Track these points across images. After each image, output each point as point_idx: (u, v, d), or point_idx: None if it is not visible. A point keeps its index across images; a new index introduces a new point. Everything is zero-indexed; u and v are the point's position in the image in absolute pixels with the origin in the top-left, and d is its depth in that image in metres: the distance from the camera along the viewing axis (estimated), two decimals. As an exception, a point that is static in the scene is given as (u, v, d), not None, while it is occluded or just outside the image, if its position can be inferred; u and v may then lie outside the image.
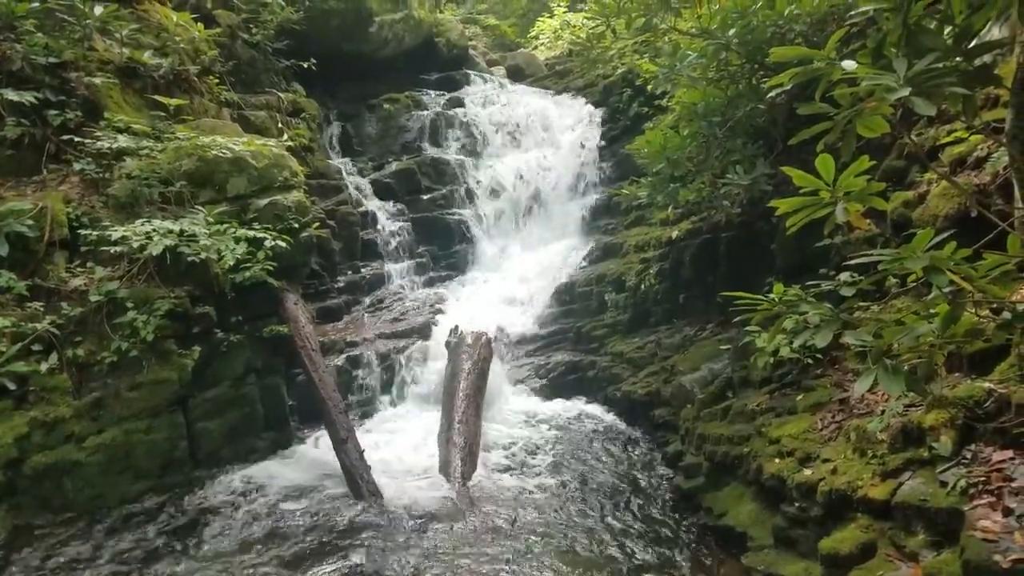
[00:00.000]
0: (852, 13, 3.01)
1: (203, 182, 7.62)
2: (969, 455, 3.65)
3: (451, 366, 8.23)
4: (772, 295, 3.22)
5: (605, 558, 5.28)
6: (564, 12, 19.09)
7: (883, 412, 4.32)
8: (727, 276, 7.89)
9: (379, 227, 11.22)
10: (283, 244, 7.40)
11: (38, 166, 7.06)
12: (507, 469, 6.95)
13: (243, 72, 10.66)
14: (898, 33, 2.55)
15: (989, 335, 3.08)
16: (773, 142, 6.48)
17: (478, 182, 12.34)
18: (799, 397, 5.42)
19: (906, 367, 2.79)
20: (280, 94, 10.95)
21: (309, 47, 11.35)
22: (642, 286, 9.04)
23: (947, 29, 2.62)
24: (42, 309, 6.17)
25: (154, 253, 6.53)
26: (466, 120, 13.06)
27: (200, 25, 9.41)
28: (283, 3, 11.23)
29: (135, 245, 6.52)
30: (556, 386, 9.18)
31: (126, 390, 6.34)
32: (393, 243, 11.25)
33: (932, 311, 2.92)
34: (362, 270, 10.62)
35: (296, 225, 7.89)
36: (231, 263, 6.94)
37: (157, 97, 8.23)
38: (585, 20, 14.46)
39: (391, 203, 11.69)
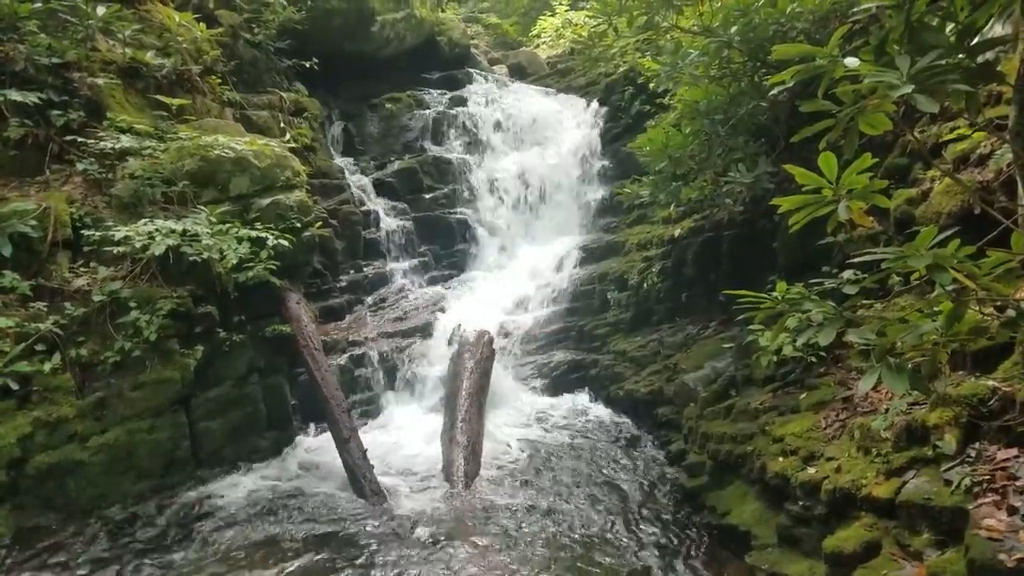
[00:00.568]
0: (854, 10, 3.00)
1: (206, 182, 7.62)
2: (973, 453, 3.65)
3: (454, 365, 8.24)
4: (775, 293, 3.21)
5: (608, 557, 5.28)
6: (566, 10, 19.06)
7: (887, 410, 4.31)
8: (729, 274, 7.89)
9: (381, 226, 11.21)
10: (285, 243, 7.40)
11: (41, 166, 7.06)
12: (510, 468, 6.95)
13: (245, 72, 10.65)
14: (900, 30, 2.54)
15: (993, 333, 3.07)
16: (775, 140, 6.47)
17: (480, 181, 12.33)
18: (802, 395, 5.41)
19: (910, 365, 2.77)
20: (282, 94, 10.94)
21: (311, 46, 11.34)
22: (644, 284, 9.03)
23: (950, 26, 2.61)
24: (45, 309, 6.17)
25: (157, 253, 6.54)
26: (468, 119, 13.05)
27: (202, 25, 9.41)
28: (285, 3, 11.22)
29: (138, 245, 6.53)
30: (559, 385, 9.18)
31: (129, 390, 6.35)
32: (395, 242, 11.24)
33: (936, 309, 2.90)
34: (364, 269, 10.62)
35: (298, 224, 7.89)
36: (233, 263, 6.94)
37: (160, 97, 8.23)
38: (587, 18, 14.46)
39: (393, 202, 11.68)
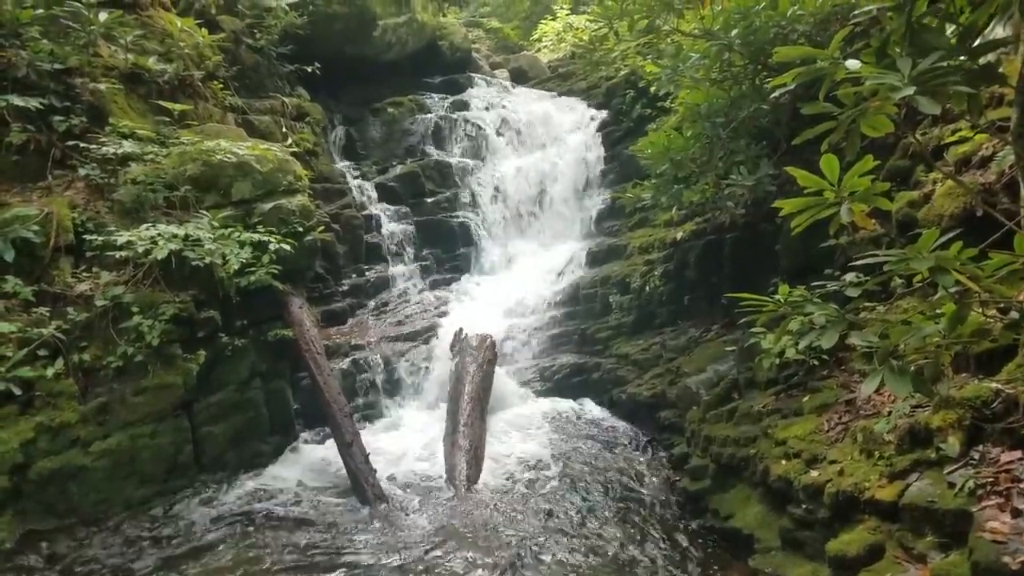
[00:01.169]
0: (855, 12, 3.00)
1: (208, 187, 7.63)
2: (977, 456, 3.64)
3: (456, 369, 8.23)
4: (777, 296, 3.21)
5: (611, 561, 5.27)
6: (567, 15, 19.08)
7: (890, 413, 4.31)
8: (732, 277, 7.88)
9: (383, 230, 11.22)
10: (287, 248, 7.40)
11: (43, 172, 7.08)
12: (512, 472, 6.94)
13: (247, 77, 10.68)
14: (901, 32, 2.54)
15: (996, 335, 3.06)
16: (777, 142, 6.46)
17: (482, 185, 12.33)
18: (805, 398, 5.40)
19: (913, 368, 2.77)
20: (284, 98, 10.97)
21: (313, 51, 11.37)
22: (647, 288, 9.03)
23: (951, 28, 2.61)
24: (48, 314, 6.18)
25: (159, 258, 6.54)
26: (470, 123, 13.06)
27: (204, 30, 9.43)
28: (287, 8, 11.25)
29: (140, 250, 6.54)
30: (561, 388, 9.17)
31: (131, 395, 6.35)
32: (397, 246, 11.25)
33: (938, 311, 2.90)
34: (366, 273, 10.63)
35: (300, 229, 7.90)
36: (236, 267, 6.95)
37: (162, 102, 8.25)
38: (588, 22, 14.45)
39: (395, 206, 11.70)
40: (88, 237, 6.72)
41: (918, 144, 3.88)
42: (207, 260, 6.78)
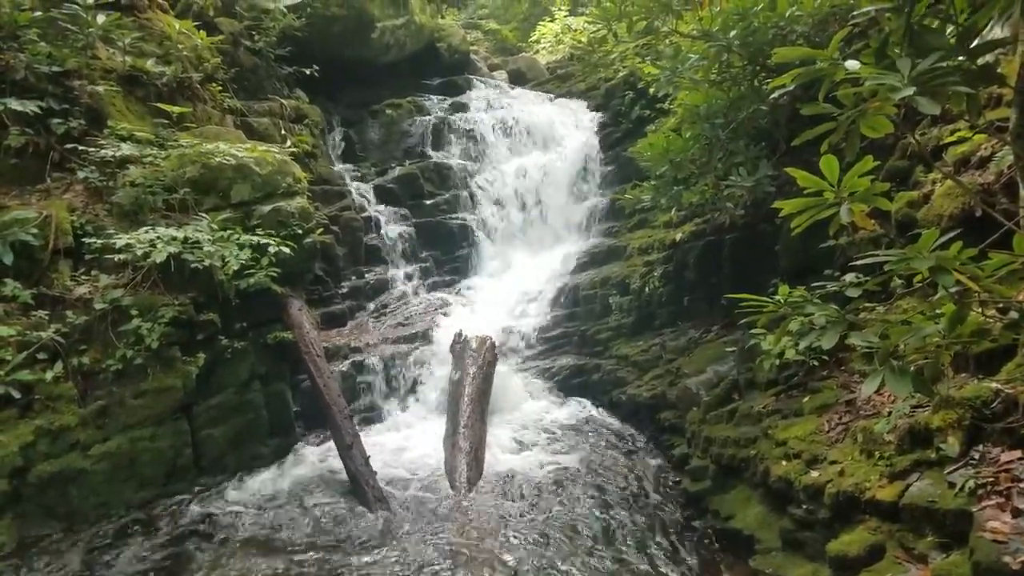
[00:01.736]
0: (854, 13, 3.00)
1: (207, 189, 7.63)
2: (977, 456, 3.64)
3: (456, 371, 8.22)
4: (777, 297, 3.21)
5: (612, 563, 5.26)
6: (565, 16, 19.09)
7: (890, 413, 4.31)
8: (731, 278, 7.88)
9: (382, 232, 11.22)
10: (287, 250, 7.40)
11: (42, 175, 7.07)
12: (512, 473, 6.93)
13: (246, 79, 10.68)
14: (901, 33, 2.54)
15: (996, 335, 3.06)
16: (776, 143, 6.47)
17: (481, 187, 12.34)
18: (805, 399, 5.40)
19: (913, 368, 2.77)
20: (283, 100, 10.97)
21: (311, 53, 11.38)
22: (646, 289, 9.02)
23: (950, 28, 2.61)
24: (47, 317, 6.18)
25: (158, 260, 6.54)
26: (468, 125, 13.07)
27: (202, 33, 9.43)
28: (285, 10, 11.26)
29: (139, 253, 6.54)
30: (561, 389, 9.18)
31: (131, 398, 6.34)
32: (396, 248, 11.25)
33: (938, 311, 2.90)
34: (366, 275, 10.63)
35: (300, 231, 7.90)
36: (235, 269, 6.94)
37: (160, 105, 8.25)
38: (586, 24, 14.47)
39: (394, 208, 11.70)
40: (87, 240, 6.72)
41: (917, 144, 3.88)
42: (206, 262, 6.78)
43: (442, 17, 16.12)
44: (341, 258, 10.22)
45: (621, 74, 12.75)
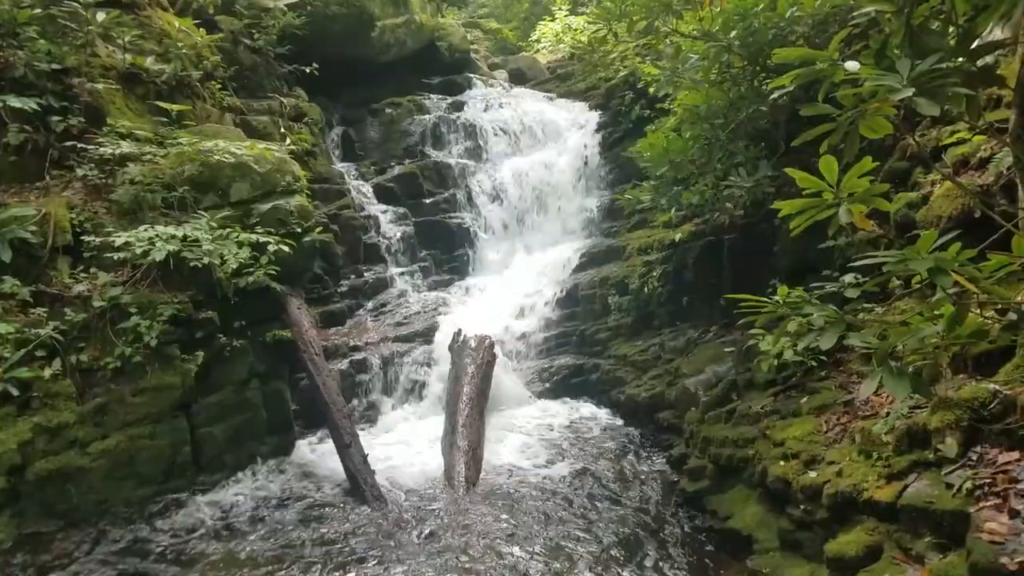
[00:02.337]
0: (854, 14, 3.01)
1: (206, 187, 7.62)
2: (975, 457, 3.64)
3: (454, 370, 8.23)
4: (776, 297, 3.21)
5: (609, 562, 5.26)
6: (565, 16, 19.09)
7: (888, 414, 4.31)
8: (730, 278, 7.87)
9: (382, 231, 11.22)
10: (286, 249, 7.39)
11: (41, 172, 7.07)
12: (511, 473, 6.94)
13: (245, 77, 10.68)
14: (901, 34, 2.55)
15: (994, 336, 3.07)
16: (775, 144, 6.47)
17: (480, 186, 12.34)
18: (804, 399, 5.40)
19: (911, 369, 2.77)
20: (282, 99, 10.97)
21: (311, 52, 11.37)
22: (645, 289, 9.02)
23: (950, 30, 2.61)
24: (45, 315, 6.17)
25: (157, 258, 6.53)
26: (468, 124, 13.07)
27: (202, 31, 9.42)
28: (285, 8, 11.26)
29: (138, 251, 6.53)
30: (560, 389, 9.18)
31: (129, 395, 6.34)
32: (396, 247, 11.25)
33: (937, 312, 2.90)
34: (365, 274, 10.63)
35: (299, 230, 7.89)
36: (234, 267, 6.94)
37: (160, 103, 8.24)
38: (586, 24, 14.47)
39: (394, 207, 11.70)
40: (86, 238, 6.71)
41: (917, 146, 3.89)
42: (205, 261, 6.77)
43: (442, 16, 16.11)
44: (340, 257, 10.22)
45: (621, 74, 12.74)
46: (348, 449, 6.68)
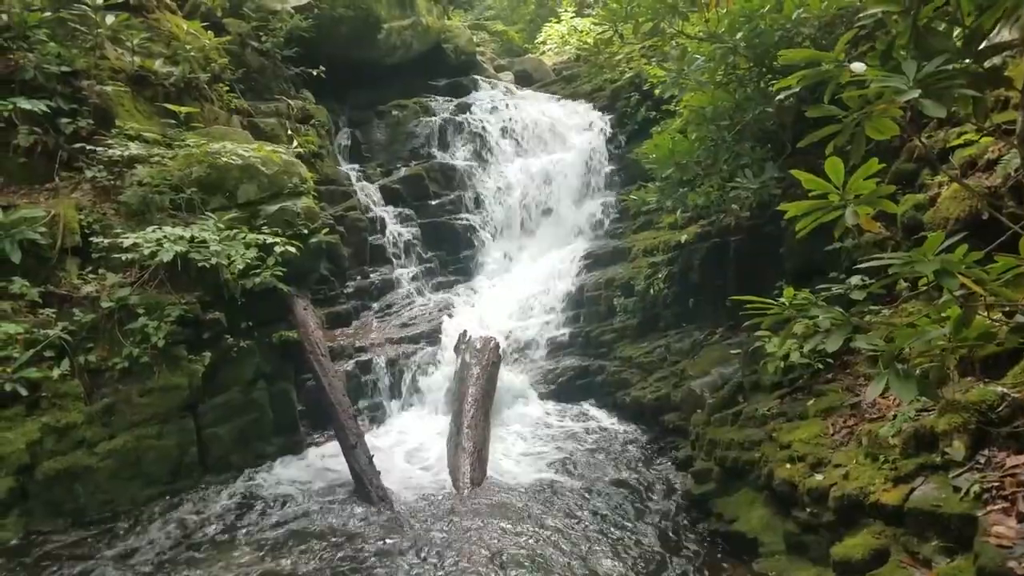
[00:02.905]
0: (860, 16, 3.00)
1: (213, 189, 7.66)
2: (982, 460, 3.62)
3: (460, 371, 8.23)
4: (782, 299, 3.20)
5: (615, 565, 5.26)
6: (571, 18, 19.09)
7: (895, 417, 4.29)
8: (737, 280, 7.86)
9: (388, 232, 11.25)
10: (292, 250, 7.42)
11: (50, 174, 7.11)
12: (516, 474, 6.94)
13: (253, 80, 10.73)
14: (907, 35, 2.54)
15: (1002, 339, 3.05)
16: (782, 145, 6.46)
17: (486, 187, 12.35)
18: (810, 402, 5.38)
19: (918, 371, 2.77)
20: (290, 101, 11.01)
21: (318, 54, 11.42)
22: (651, 290, 9.02)
23: (956, 31, 2.60)
24: (54, 315, 6.21)
25: (165, 259, 6.57)
26: (474, 126, 13.09)
27: (210, 33, 9.48)
28: (292, 11, 11.30)
29: (146, 252, 6.57)
30: (565, 391, 9.17)
31: (137, 396, 6.37)
32: (402, 248, 11.28)
33: (944, 315, 2.89)
34: (371, 275, 10.65)
35: (305, 231, 7.92)
36: (241, 268, 6.97)
37: (168, 105, 8.29)
38: (592, 25, 14.49)
39: (400, 209, 11.73)
40: (94, 239, 6.75)
41: (924, 147, 3.87)
42: (213, 261, 6.80)
43: (448, 18, 16.14)
44: (347, 258, 10.25)
45: (627, 76, 12.76)
46: (354, 450, 6.69)
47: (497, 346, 8.54)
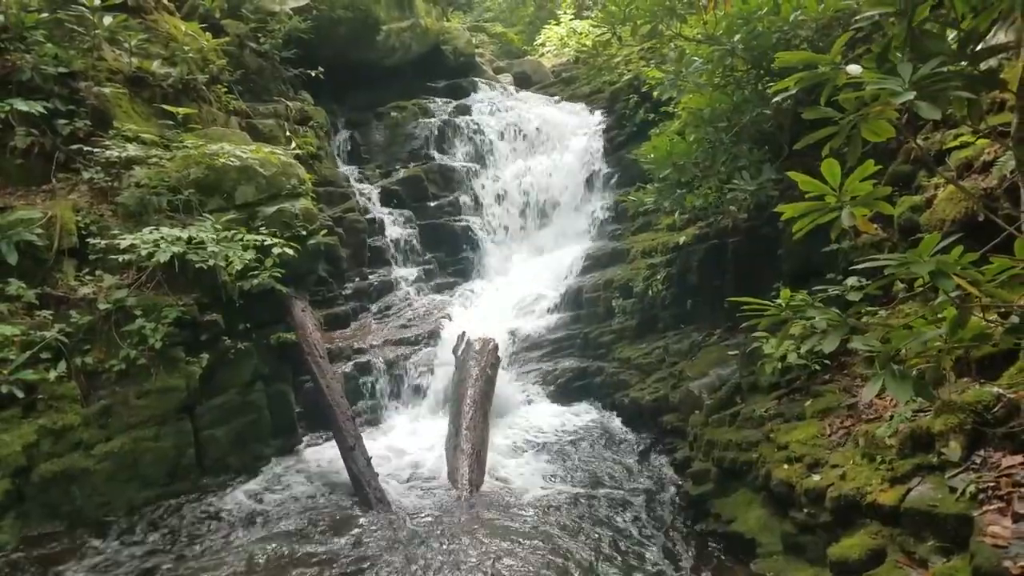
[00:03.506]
0: (857, 18, 3.01)
1: (211, 190, 7.66)
2: (978, 460, 3.63)
3: (458, 373, 8.23)
4: (779, 300, 3.21)
5: (613, 565, 5.26)
6: (570, 20, 19.12)
7: (892, 417, 4.30)
8: (734, 281, 7.87)
9: (386, 234, 11.26)
10: (291, 251, 7.43)
11: (47, 175, 7.11)
12: (515, 476, 6.94)
13: (251, 81, 10.72)
14: (903, 37, 2.55)
15: (997, 339, 3.06)
16: (779, 147, 6.47)
17: (485, 189, 12.36)
18: (807, 403, 5.40)
19: (914, 372, 2.77)
20: (288, 102, 11.01)
21: (317, 55, 11.42)
22: (649, 292, 9.03)
23: (952, 33, 2.61)
24: (51, 317, 6.20)
25: (162, 260, 6.57)
26: (473, 127, 13.10)
27: (208, 35, 9.48)
28: (291, 12, 11.30)
29: (143, 253, 6.56)
30: (564, 392, 9.17)
31: (134, 398, 6.37)
32: (400, 250, 11.28)
33: (940, 316, 2.90)
34: (369, 277, 10.65)
35: (304, 232, 7.92)
36: (239, 269, 6.96)
37: (165, 106, 8.29)
38: (591, 27, 14.51)
39: (399, 210, 11.73)
40: (91, 240, 6.75)
41: (920, 149, 3.89)
42: (210, 263, 6.80)
43: (447, 20, 16.15)
44: (345, 259, 10.25)
45: (625, 77, 12.76)
46: (352, 451, 6.69)
47: (496, 347, 8.54)
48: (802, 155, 4.71)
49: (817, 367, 5.63)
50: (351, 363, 8.68)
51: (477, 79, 15.19)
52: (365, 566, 5.34)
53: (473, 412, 7.48)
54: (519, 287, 11.00)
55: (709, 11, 6.38)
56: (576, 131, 13.05)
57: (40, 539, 5.74)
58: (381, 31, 12.82)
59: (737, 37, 6.07)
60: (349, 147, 12.87)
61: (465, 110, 13.65)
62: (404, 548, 5.56)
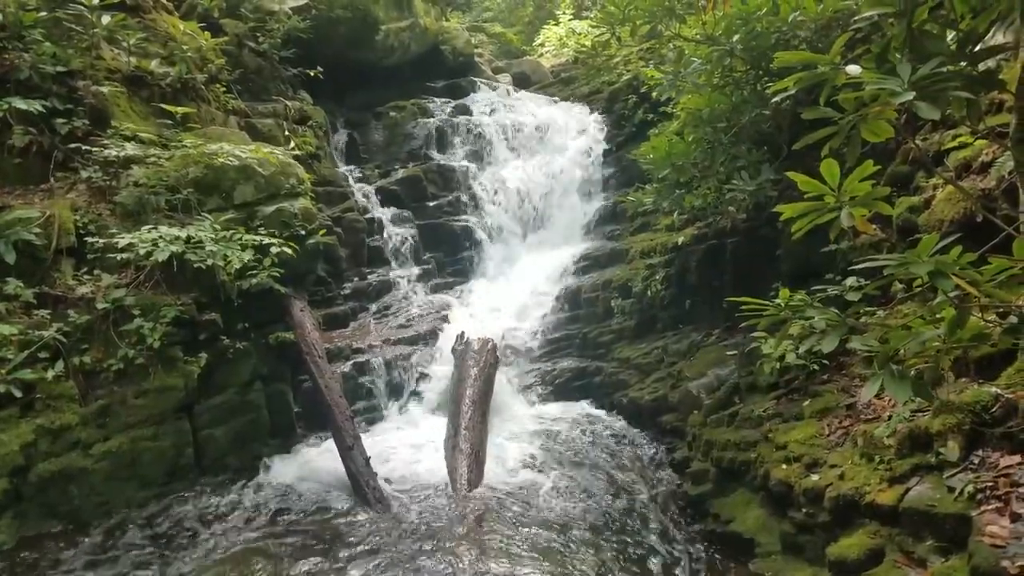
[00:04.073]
0: (856, 18, 3.01)
1: (210, 190, 7.65)
2: (976, 460, 3.64)
3: (457, 372, 8.23)
4: (778, 300, 3.21)
5: (612, 565, 5.26)
6: (569, 20, 19.12)
7: (890, 417, 4.31)
8: (733, 282, 7.87)
9: (385, 234, 11.24)
10: (289, 251, 7.42)
11: (46, 174, 7.10)
12: (513, 476, 6.93)
13: (250, 80, 10.71)
14: (902, 38, 2.55)
15: (995, 340, 3.07)
16: (778, 147, 6.48)
17: (484, 189, 12.36)
18: (806, 403, 5.40)
19: (913, 372, 2.77)
20: (287, 102, 10.99)
21: (316, 55, 11.40)
22: (648, 292, 9.03)
23: (951, 34, 2.62)
24: (49, 317, 6.19)
25: (160, 260, 6.56)
26: (472, 127, 13.09)
27: (207, 34, 9.46)
28: (290, 12, 11.29)
29: (142, 252, 6.55)
30: (563, 392, 9.18)
31: (132, 397, 6.36)
32: (399, 250, 11.26)
33: (938, 316, 2.90)
34: (368, 277, 10.63)
35: (302, 232, 7.92)
36: (237, 269, 6.96)
37: (164, 105, 8.28)
38: (590, 28, 14.52)
39: (397, 210, 11.71)
40: (90, 239, 6.74)
41: (918, 149, 3.89)
42: (209, 262, 6.79)
43: (446, 20, 16.14)
44: (344, 259, 10.23)
45: (624, 78, 12.78)
46: (350, 451, 6.68)
47: (495, 347, 8.54)
48: (801, 155, 4.72)
49: (816, 367, 5.64)
50: (350, 363, 8.66)
51: (476, 79, 15.17)
52: (364, 566, 5.33)
53: (472, 412, 7.48)
54: (518, 287, 11.00)
55: (708, 11, 6.39)
56: (575, 131, 13.05)
57: (38, 539, 5.73)
58: (380, 31, 12.80)
59: (736, 37, 6.08)
60: (348, 147, 12.83)
61: (464, 110, 13.63)
62: (403, 548, 5.56)
